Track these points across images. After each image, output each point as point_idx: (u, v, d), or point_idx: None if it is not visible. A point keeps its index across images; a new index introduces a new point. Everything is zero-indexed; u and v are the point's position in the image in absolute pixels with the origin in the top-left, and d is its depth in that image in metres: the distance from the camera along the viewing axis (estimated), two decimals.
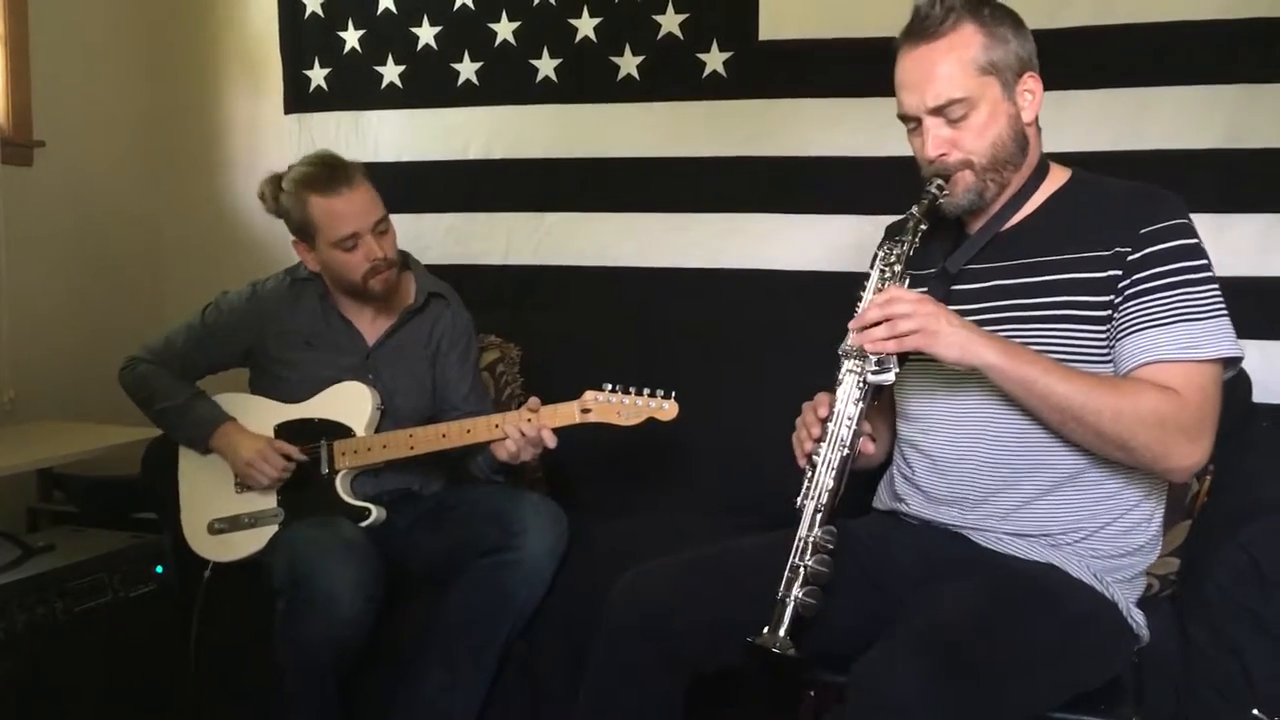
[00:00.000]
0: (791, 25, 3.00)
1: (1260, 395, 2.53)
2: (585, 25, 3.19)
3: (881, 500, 1.99)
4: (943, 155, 1.76)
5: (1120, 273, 1.70)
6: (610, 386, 2.26)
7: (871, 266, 1.80)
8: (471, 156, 3.36)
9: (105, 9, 3.60)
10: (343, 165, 2.42)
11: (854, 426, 1.71)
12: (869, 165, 2.90)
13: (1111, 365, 1.72)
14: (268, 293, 2.56)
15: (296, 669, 2.24)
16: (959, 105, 1.73)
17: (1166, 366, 1.65)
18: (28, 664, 2.35)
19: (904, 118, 1.80)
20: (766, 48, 3.02)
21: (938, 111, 1.74)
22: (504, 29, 3.27)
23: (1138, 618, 1.80)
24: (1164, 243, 1.68)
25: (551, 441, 2.30)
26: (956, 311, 1.76)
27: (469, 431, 2.35)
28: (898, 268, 1.74)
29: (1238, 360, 1.70)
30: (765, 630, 1.64)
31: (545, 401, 2.32)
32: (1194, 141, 2.67)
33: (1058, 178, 1.85)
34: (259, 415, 2.49)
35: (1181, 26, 2.66)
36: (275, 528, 2.44)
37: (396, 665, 2.35)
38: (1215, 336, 1.67)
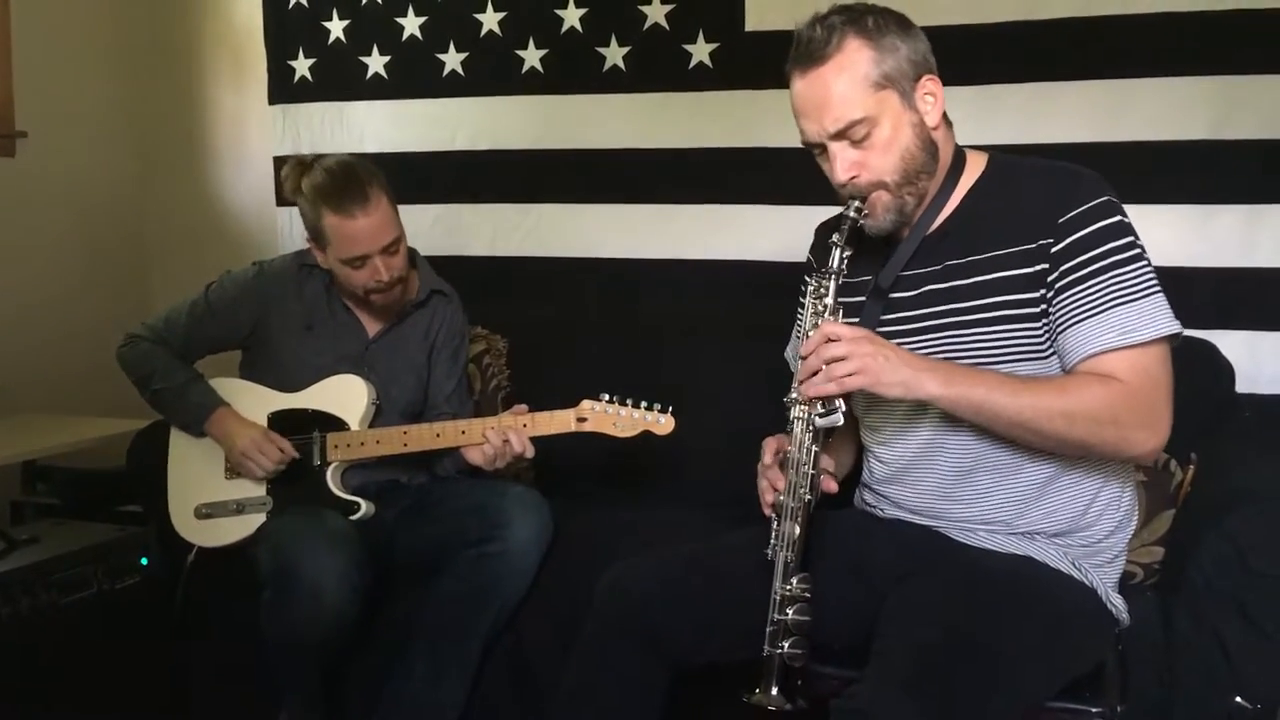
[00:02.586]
0: (778, 16, 2.99)
1: (1243, 386, 2.55)
2: (571, 15, 3.18)
3: (859, 500, 2.00)
4: (854, 178, 1.71)
5: (1047, 266, 1.67)
6: (607, 396, 2.27)
7: (803, 295, 1.76)
8: (457, 147, 3.35)
9: None
10: (361, 182, 2.34)
11: (811, 472, 1.71)
12: None
13: (1057, 359, 1.71)
14: (274, 272, 2.55)
15: (282, 658, 2.24)
16: (860, 126, 1.68)
17: (1107, 357, 1.64)
18: (12, 657, 2.34)
19: (808, 145, 1.76)
20: (753, 39, 3.02)
21: (840, 135, 1.70)
22: (489, 19, 3.26)
23: (1117, 602, 1.80)
24: (1085, 228, 1.66)
25: (530, 451, 2.31)
26: (896, 321, 1.77)
27: (463, 433, 2.35)
28: (828, 300, 1.71)
29: (1178, 335, 1.68)
30: (758, 690, 1.66)
31: (532, 402, 2.33)
32: (1177, 133, 2.67)
33: (975, 167, 1.81)
34: (253, 402, 2.48)
35: (1164, 18, 2.66)
36: (263, 516, 2.43)
37: (382, 656, 2.35)
38: (1150, 316, 1.64)
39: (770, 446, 1.81)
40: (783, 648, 1.66)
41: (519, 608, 2.35)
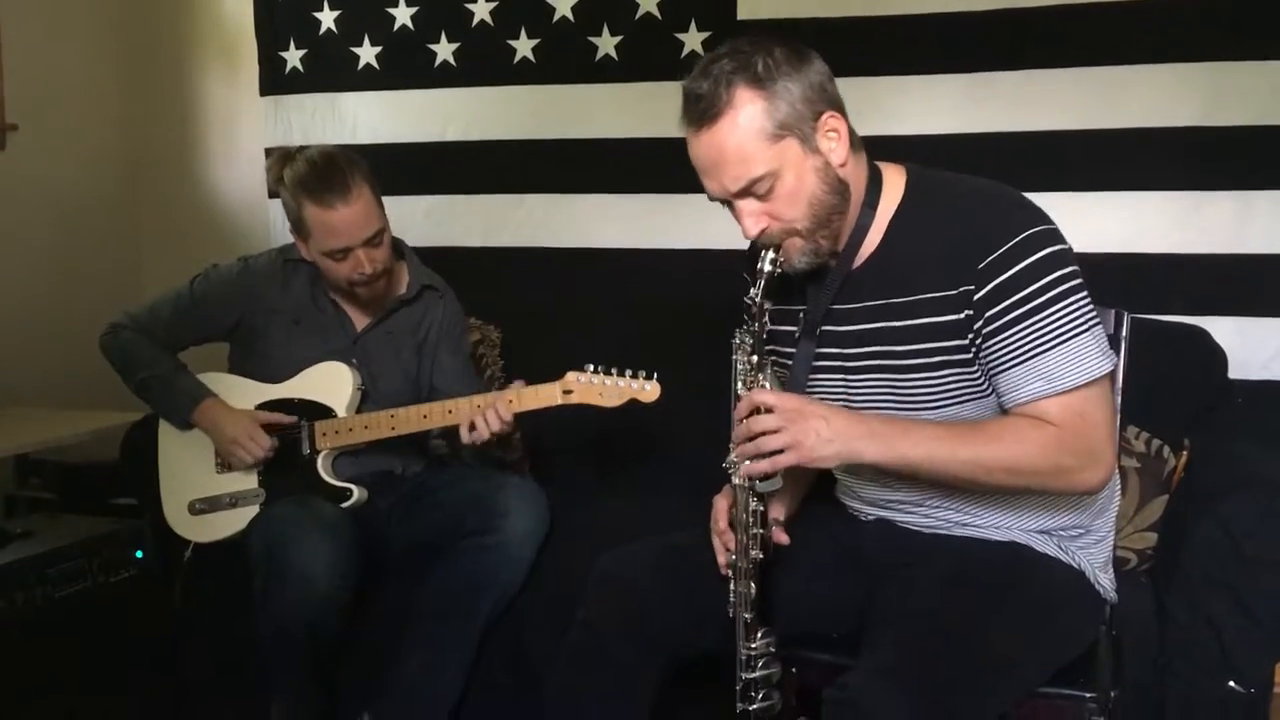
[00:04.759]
0: (770, 4, 2.99)
1: (1236, 372, 2.55)
2: (563, 5, 3.18)
3: (841, 499, 1.98)
4: (764, 230, 1.66)
5: (971, 313, 1.62)
6: (592, 367, 2.26)
7: (734, 352, 1.71)
8: (449, 138, 3.34)
9: None
10: (342, 172, 2.31)
11: (758, 531, 1.69)
12: None
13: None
14: (259, 269, 2.53)
15: (274, 647, 2.24)
16: (762, 181, 1.62)
17: (1040, 404, 1.60)
18: (7, 650, 2.34)
19: (713, 199, 1.70)
20: (745, 27, 3.01)
21: (743, 193, 1.64)
22: (481, 9, 3.25)
23: (1105, 581, 1.80)
24: (1005, 271, 1.59)
25: (507, 425, 2.28)
26: (831, 358, 1.75)
27: (451, 412, 2.34)
28: (754, 358, 1.67)
29: (1110, 372, 1.64)
30: None
31: (525, 384, 2.32)
32: (1167, 119, 2.68)
33: (893, 188, 1.73)
34: (239, 395, 2.48)
35: (1154, 5, 2.66)
36: (256, 508, 2.43)
37: (378, 648, 2.36)
38: (1077, 360, 1.59)
39: (721, 508, 1.78)
40: (754, 698, 1.68)
41: (516, 598, 2.35)
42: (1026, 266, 1.60)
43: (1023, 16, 2.75)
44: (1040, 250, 1.60)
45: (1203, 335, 2.53)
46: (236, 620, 2.31)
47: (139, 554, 2.62)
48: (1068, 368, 1.59)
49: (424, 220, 3.32)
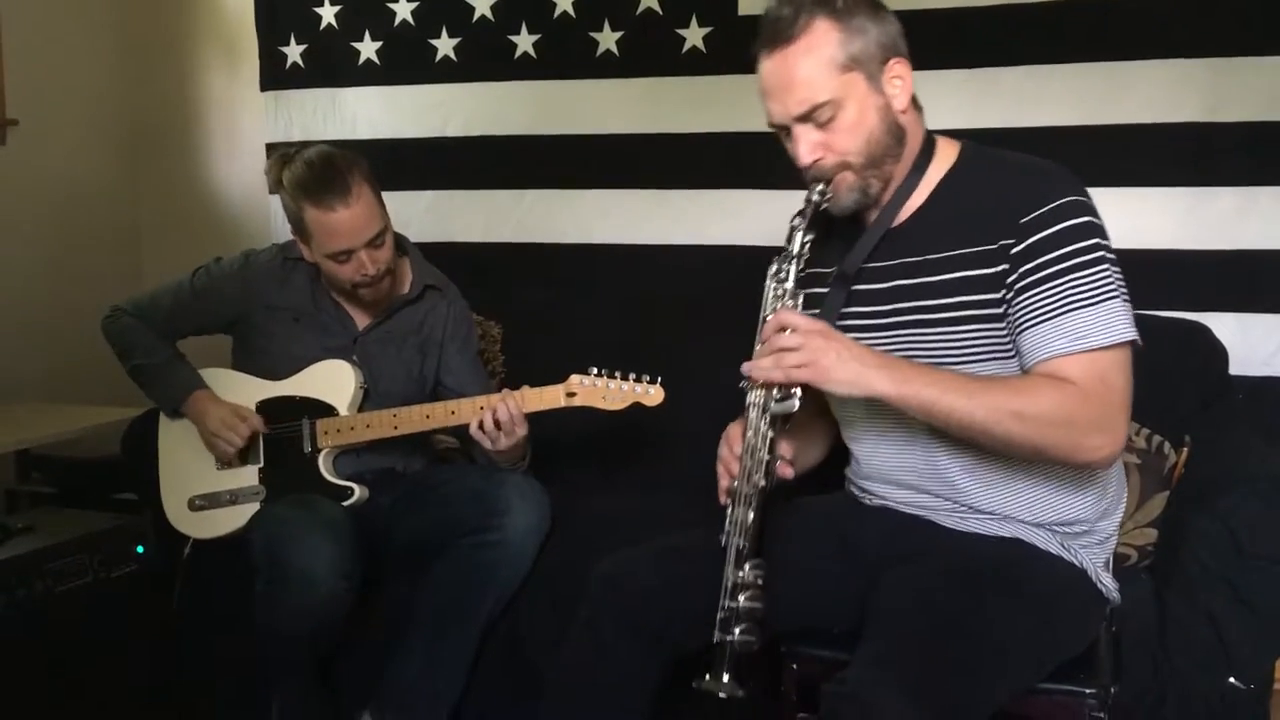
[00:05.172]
0: None
1: (1236, 368, 2.55)
2: (563, 0, 3.17)
3: (848, 487, 1.99)
4: (818, 160, 1.70)
5: (1007, 267, 1.65)
6: (596, 370, 2.26)
7: (768, 279, 1.75)
8: (450, 133, 3.34)
9: None
10: (341, 173, 2.30)
11: (766, 457, 1.68)
12: None
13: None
14: (260, 265, 2.53)
15: (275, 646, 2.24)
16: (825, 108, 1.67)
17: (1062, 361, 1.61)
18: (8, 645, 2.34)
19: (773, 126, 1.75)
20: (747, 22, 3.00)
21: (805, 117, 1.68)
22: (481, 4, 3.25)
23: (1107, 581, 1.81)
24: (1046, 229, 1.63)
25: (522, 427, 2.30)
26: (860, 315, 1.76)
27: (453, 413, 2.34)
28: (789, 285, 1.71)
29: (1138, 344, 1.65)
30: (708, 676, 1.62)
31: (527, 383, 2.32)
32: (1170, 115, 2.67)
33: (946, 157, 1.78)
34: (241, 391, 2.48)
35: (1156, 0, 2.65)
36: (256, 505, 2.43)
37: (379, 645, 2.35)
38: (1105, 322, 1.61)
39: (734, 434, 1.79)
40: (734, 634, 1.63)
41: (516, 596, 2.34)
42: (1068, 227, 1.63)
43: (1025, 12, 2.74)
44: (1083, 216, 1.64)
45: (1204, 331, 2.53)
46: (237, 617, 2.31)
47: (140, 549, 2.63)
48: (1095, 327, 1.61)
49: (424, 216, 3.32)
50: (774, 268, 1.74)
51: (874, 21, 1.69)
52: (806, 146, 1.70)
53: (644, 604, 1.77)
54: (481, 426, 2.30)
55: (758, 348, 1.69)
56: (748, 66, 3.11)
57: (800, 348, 1.61)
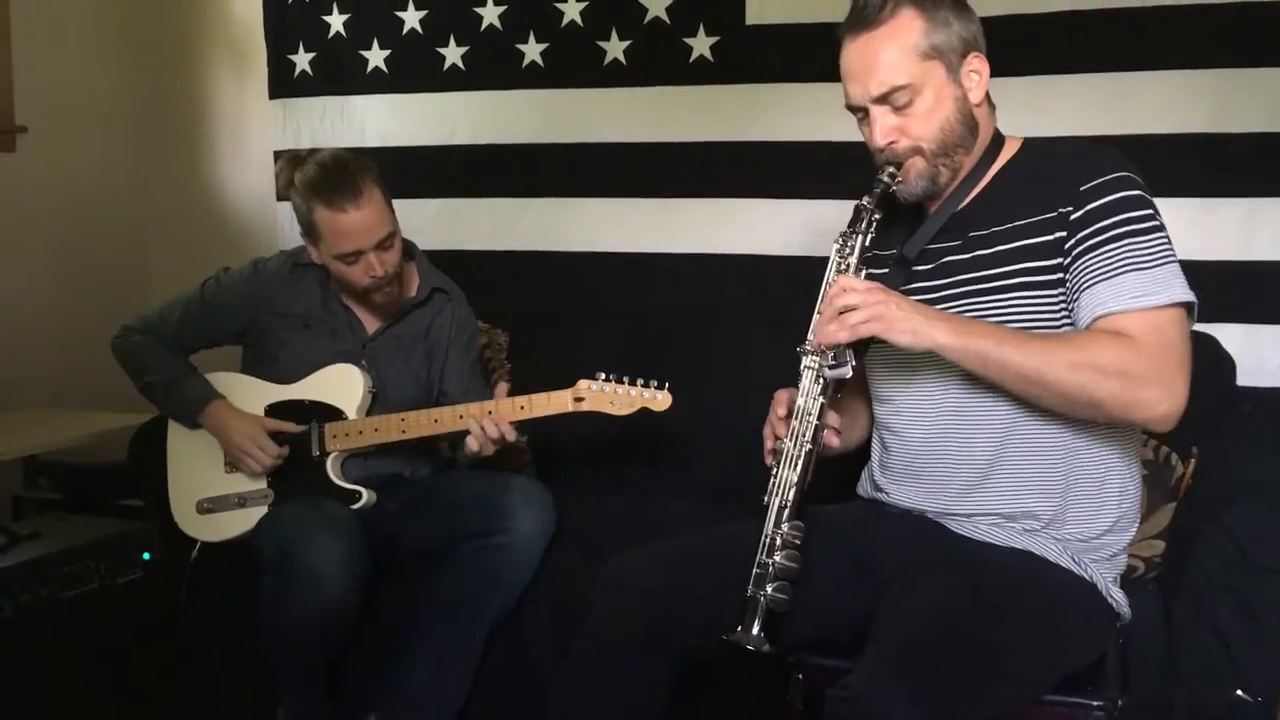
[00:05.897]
0: (779, 9, 2.99)
1: (1244, 379, 2.55)
2: (571, 9, 3.18)
3: (864, 488, 1.99)
4: (892, 143, 1.76)
5: (1065, 234, 1.69)
6: (604, 375, 2.27)
7: (833, 252, 1.80)
8: (458, 141, 3.35)
9: None
10: (353, 175, 2.32)
11: (815, 421, 1.72)
12: (857, 149, 2.87)
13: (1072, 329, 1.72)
14: (269, 273, 2.54)
15: (282, 647, 2.24)
16: (903, 92, 1.73)
17: (1120, 317, 1.64)
18: (14, 651, 2.34)
19: (851, 108, 1.80)
20: (754, 32, 3.02)
21: (883, 100, 1.74)
22: (490, 13, 3.26)
23: (1117, 596, 1.80)
24: (1105, 197, 1.67)
25: (511, 435, 2.31)
26: (916, 295, 1.77)
27: (461, 417, 2.35)
28: (852, 259, 1.76)
29: (1193, 306, 1.69)
30: (739, 628, 1.64)
31: (532, 389, 2.32)
32: (1179, 126, 2.67)
33: (1010, 151, 1.85)
34: (250, 395, 2.48)
35: (1164, 11, 2.66)
36: (264, 509, 2.43)
37: (385, 649, 2.36)
38: (1163, 283, 1.65)
39: (782, 397, 1.82)
40: (766, 591, 1.65)
41: (522, 600, 2.35)
42: (1125, 197, 1.67)
43: (1031, 22, 2.74)
44: (1137, 189, 1.69)
45: (1211, 342, 2.52)
46: (243, 621, 2.31)
47: (146, 556, 2.63)
48: (1155, 286, 1.64)
49: (432, 223, 3.32)
50: (837, 244, 1.79)
51: (958, 16, 1.76)
52: (882, 129, 1.75)
53: (650, 606, 1.77)
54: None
55: (816, 316, 1.72)
56: (755, 76, 3.13)
57: (862, 305, 1.64)
